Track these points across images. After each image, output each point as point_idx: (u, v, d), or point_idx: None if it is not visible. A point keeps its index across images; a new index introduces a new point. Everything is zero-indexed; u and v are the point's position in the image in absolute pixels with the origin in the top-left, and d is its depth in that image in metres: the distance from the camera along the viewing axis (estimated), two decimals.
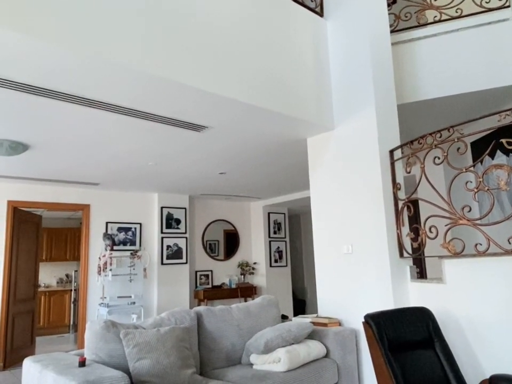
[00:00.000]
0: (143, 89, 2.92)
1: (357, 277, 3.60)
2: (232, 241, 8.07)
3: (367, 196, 3.57)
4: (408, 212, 3.44)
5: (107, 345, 2.65)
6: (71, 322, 8.54)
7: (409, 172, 3.38)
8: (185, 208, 7.15)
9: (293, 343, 3.18)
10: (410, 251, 3.45)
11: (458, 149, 2.98)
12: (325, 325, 3.60)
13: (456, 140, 3.00)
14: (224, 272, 7.82)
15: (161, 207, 6.88)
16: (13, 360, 5.48)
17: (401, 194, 3.52)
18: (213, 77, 3.05)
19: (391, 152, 3.56)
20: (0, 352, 5.30)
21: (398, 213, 3.45)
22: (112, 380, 2.12)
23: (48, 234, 8.96)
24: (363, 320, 2.61)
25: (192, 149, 4.51)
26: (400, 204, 3.47)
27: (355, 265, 3.62)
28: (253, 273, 8.01)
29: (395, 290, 3.32)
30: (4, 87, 2.81)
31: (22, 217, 5.95)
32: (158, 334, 2.75)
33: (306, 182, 6.45)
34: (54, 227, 9.07)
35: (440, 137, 3.11)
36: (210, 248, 7.74)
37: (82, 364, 2.37)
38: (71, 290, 8.72)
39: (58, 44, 2.34)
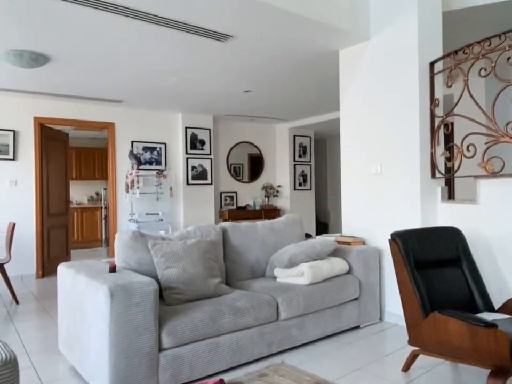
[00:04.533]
0: None
1: (384, 197, 3.52)
2: (256, 165, 8.03)
3: (401, 113, 3.36)
4: (445, 130, 3.24)
5: (135, 254, 2.73)
6: (104, 237, 8.99)
7: (450, 86, 3.12)
8: (209, 129, 7.05)
9: (316, 259, 3.21)
10: (443, 171, 3.30)
11: (508, 58, 2.69)
12: (348, 243, 3.61)
13: (507, 48, 2.70)
14: (249, 194, 7.89)
15: (186, 128, 6.80)
16: (50, 269, 5.87)
17: (439, 111, 3.30)
18: None
19: (432, 64, 3.28)
20: (38, 262, 5.67)
21: (433, 131, 3.26)
22: (141, 285, 2.20)
23: (77, 153, 9.14)
24: (389, 237, 2.57)
25: (216, 62, 4.29)
26: (437, 121, 3.26)
27: (383, 186, 3.53)
28: (277, 195, 8.06)
29: (424, 211, 3.24)
30: None
31: (49, 134, 6.01)
32: (184, 245, 2.81)
33: (334, 103, 6.16)
34: (82, 146, 9.21)
35: (489, 45, 2.81)
36: (234, 171, 7.74)
37: (112, 269, 2.46)
38: (101, 207, 9.07)
39: None
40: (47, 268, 5.83)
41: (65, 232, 6.43)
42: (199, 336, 2.39)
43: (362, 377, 2.46)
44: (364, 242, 3.65)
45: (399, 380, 2.42)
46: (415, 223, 3.25)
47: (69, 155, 8.94)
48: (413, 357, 2.50)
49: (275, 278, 3.30)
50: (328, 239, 3.39)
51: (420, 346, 2.37)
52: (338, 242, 3.68)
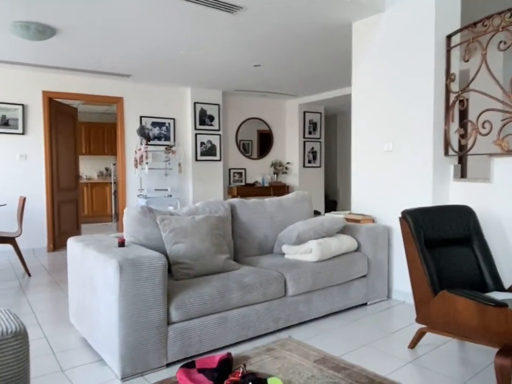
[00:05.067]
0: None
1: (395, 175, 3.46)
2: (265, 141, 7.96)
3: (415, 88, 3.26)
4: (461, 106, 3.15)
5: (144, 229, 2.74)
6: (113, 212, 9.08)
7: (467, 60, 3.01)
8: (218, 105, 6.97)
9: (324, 236, 3.20)
10: (456, 149, 3.23)
11: None
12: (357, 221, 3.58)
13: None
14: (257, 171, 7.86)
15: (194, 103, 6.72)
16: (61, 243, 5.95)
17: (454, 87, 3.20)
18: None
19: (449, 37, 3.16)
20: (49, 236, 5.75)
21: (448, 108, 3.17)
22: (150, 259, 2.21)
23: (86, 128, 9.14)
24: (400, 215, 2.53)
25: (225, 35, 4.19)
26: (452, 97, 3.17)
27: (394, 163, 3.47)
28: (286, 172, 8.01)
29: (435, 190, 3.19)
30: None
31: (58, 108, 5.99)
32: (193, 221, 2.80)
33: (346, 78, 6.03)
34: (91, 121, 9.20)
35: (510, 17, 2.69)
36: (244, 148, 7.68)
37: (121, 244, 2.48)
38: (111, 183, 9.12)
39: None
40: (58, 242, 5.91)
41: (75, 206, 6.48)
42: (207, 311, 2.42)
43: (368, 353, 2.48)
44: (373, 220, 3.63)
45: (406, 357, 2.43)
46: (426, 201, 3.21)
47: (78, 130, 8.98)
48: (420, 334, 2.50)
49: (283, 254, 3.30)
50: (337, 217, 3.36)
51: (428, 324, 2.37)
52: (347, 220, 3.65)
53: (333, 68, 5.56)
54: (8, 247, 5.14)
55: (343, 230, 3.46)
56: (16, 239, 4.31)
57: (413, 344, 2.54)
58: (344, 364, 2.32)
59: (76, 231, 6.45)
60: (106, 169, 9.62)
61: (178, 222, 2.75)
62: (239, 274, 2.68)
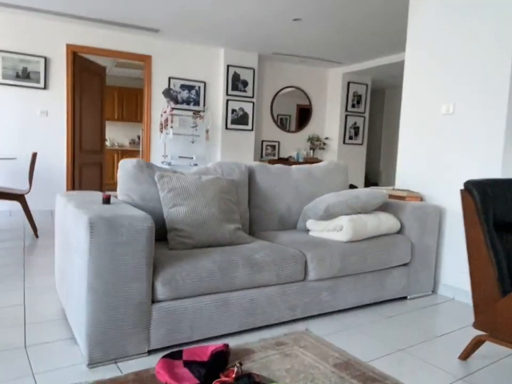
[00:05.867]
0: None
1: (454, 144, 2.81)
2: (303, 115, 7.32)
3: (487, 40, 2.57)
4: None
5: (139, 187, 2.29)
6: None
7: None
8: (253, 69, 6.39)
9: (359, 213, 2.63)
10: None
11: None
12: (402, 198, 2.98)
13: None
14: (292, 145, 7.26)
15: (227, 66, 6.18)
16: None
17: None
18: None
19: None
20: None
21: None
22: (131, 220, 1.74)
23: (119, 93, 8.85)
24: (462, 188, 1.92)
25: None
26: None
27: (454, 129, 2.81)
28: (323, 148, 7.37)
29: (506, 163, 2.52)
30: None
31: (83, 65, 5.64)
32: (198, 181, 2.32)
33: (399, 41, 5.27)
34: (125, 86, 8.90)
35: None
36: (281, 123, 7.08)
37: (106, 201, 2.04)
38: (139, 151, 8.83)
39: None
40: None
41: (99, 171, 6.20)
42: (203, 290, 1.94)
43: (406, 361, 1.92)
44: (421, 198, 3.00)
45: (455, 370, 1.86)
46: (494, 177, 2.54)
47: (111, 94, 8.72)
48: (476, 343, 1.91)
49: (308, 231, 2.77)
50: (377, 190, 2.77)
51: (489, 331, 1.78)
52: (390, 196, 3.06)
53: (386, 26, 4.83)
54: (31, 205, 4.90)
55: (384, 208, 2.87)
56: (29, 198, 4.01)
57: (466, 355, 1.95)
58: (373, 372, 1.79)
59: None
60: (139, 137, 9.35)
61: (179, 180, 2.27)
62: (249, 249, 2.18)
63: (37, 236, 4.08)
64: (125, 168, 2.32)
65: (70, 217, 1.95)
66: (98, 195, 2.33)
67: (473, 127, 2.69)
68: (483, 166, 2.63)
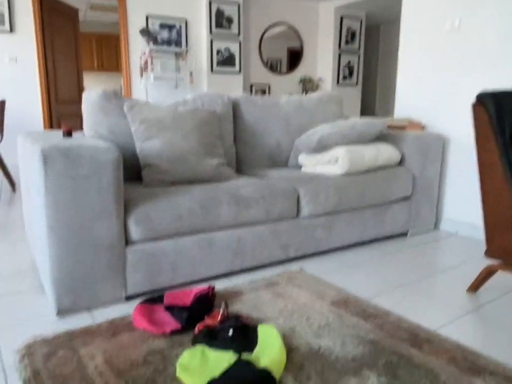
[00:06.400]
0: None
1: (460, 65, 2.53)
2: (294, 59, 6.87)
3: None
4: None
5: (107, 119, 2.02)
6: None
7: None
8: (238, 4, 5.89)
9: (356, 143, 2.39)
10: None
11: None
12: (403, 128, 2.73)
13: None
14: (284, 88, 6.88)
15: (210, 1, 5.68)
16: None
17: None
18: None
19: None
20: None
21: None
22: (92, 151, 1.49)
23: (97, 40, 8.29)
24: (474, 101, 1.67)
25: None
26: None
27: (460, 48, 2.52)
28: (316, 90, 7.00)
29: None
30: None
31: (52, 7, 5.15)
32: (174, 112, 2.05)
33: None
34: (103, 32, 8.32)
35: None
36: (271, 68, 6.65)
37: (67, 133, 1.78)
38: None
39: None
40: None
41: (79, 121, 5.85)
42: (184, 229, 1.73)
43: (409, 296, 1.76)
44: (423, 128, 2.76)
45: (463, 304, 1.70)
46: None
47: (88, 41, 8.17)
48: (487, 273, 1.75)
49: (300, 168, 2.54)
50: (374, 120, 2.51)
51: (504, 258, 1.60)
52: (389, 127, 2.81)
53: None
54: (9, 159, 4.60)
55: (384, 138, 2.64)
56: (6, 152, 3.73)
57: (475, 286, 1.79)
58: (374, 309, 1.62)
59: None
60: (121, 87, 8.88)
61: (152, 112, 2.00)
62: (235, 185, 1.96)
63: (14, 190, 3.83)
64: (89, 99, 2.04)
65: (28, 155, 1.70)
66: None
67: (482, 45, 2.40)
68: (492, 86, 2.37)
